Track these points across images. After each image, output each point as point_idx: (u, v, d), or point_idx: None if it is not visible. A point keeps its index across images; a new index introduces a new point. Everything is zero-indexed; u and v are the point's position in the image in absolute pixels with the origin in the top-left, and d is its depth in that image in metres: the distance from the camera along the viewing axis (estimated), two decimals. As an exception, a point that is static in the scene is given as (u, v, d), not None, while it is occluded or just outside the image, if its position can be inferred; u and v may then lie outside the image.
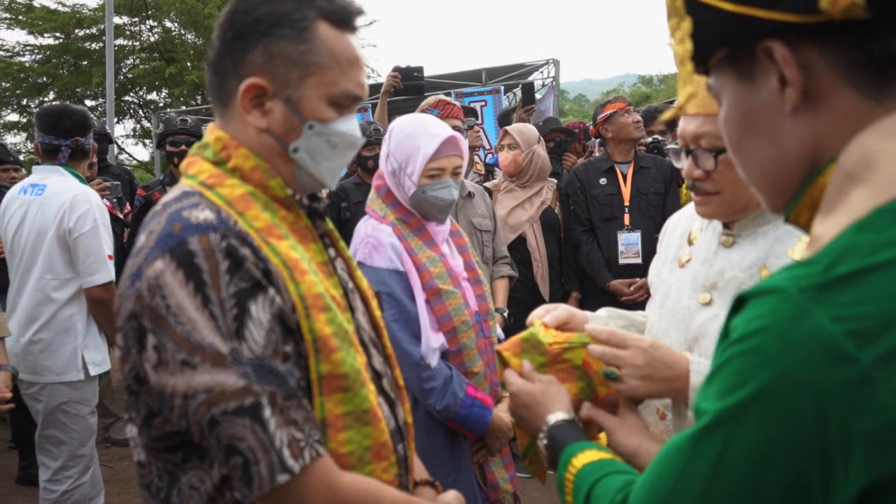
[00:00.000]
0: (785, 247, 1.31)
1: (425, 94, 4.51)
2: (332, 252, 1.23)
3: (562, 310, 1.37)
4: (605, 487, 0.92)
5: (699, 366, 1.23)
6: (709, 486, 0.65)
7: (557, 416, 1.17)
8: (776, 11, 0.67)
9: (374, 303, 1.29)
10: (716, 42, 0.73)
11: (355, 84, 1.11)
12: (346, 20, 1.10)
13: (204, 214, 1.01)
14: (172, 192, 1.11)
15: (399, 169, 2.06)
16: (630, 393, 1.23)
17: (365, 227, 2.11)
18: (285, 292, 1.02)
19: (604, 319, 1.51)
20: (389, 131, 2.12)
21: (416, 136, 2.06)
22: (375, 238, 2.04)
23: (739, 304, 0.66)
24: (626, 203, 3.96)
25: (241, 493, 0.96)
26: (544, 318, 1.34)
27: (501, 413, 2.12)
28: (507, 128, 3.96)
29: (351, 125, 1.13)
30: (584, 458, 1.03)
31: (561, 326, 1.34)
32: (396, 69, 4.57)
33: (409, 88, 4.64)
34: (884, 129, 0.66)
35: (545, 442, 1.16)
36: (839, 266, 0.61)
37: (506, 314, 3.35)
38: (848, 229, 0.64)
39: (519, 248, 3.89)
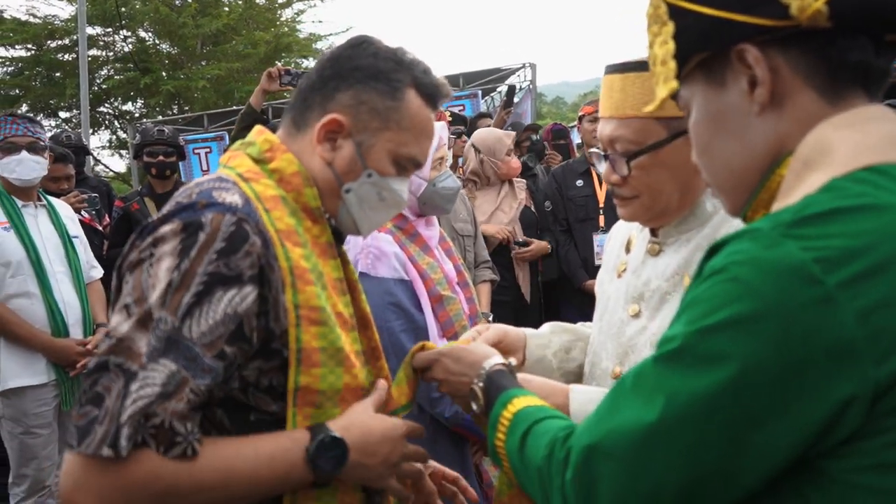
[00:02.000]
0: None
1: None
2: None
3: (493, 330, 1.36)
4: (547, 426, 0.92)
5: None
6: (671, 413, 0.69)
7: (495, 359, 1.18)
8: (752, 16, 0.74)
9: (373, 329, 1.30)
10: (694, 46, 0.80)
11: (421, 152, 1.20)
12: (433, 96, 1.19)
13: (232, 198, 1.05)
14: (209, 176, 1.14)
15: None
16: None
17: (360, 238, 2.04)
18: (279, 296, 1.03)
19: (547, 336, 1.48)
20: None
21: None
22: (377, 248, 2.00)
23: (714, 250, 0.72)
24: (601, 205, 4.01)
25: (70, 441, 0.93)
26: (476, 340, 1.33)
27: None
28: (510, 136, 4.03)
29: (403, 186, 1.21)
30: (525, 401, 1.03)
31: (495, 346, 1.33)
32: None
33: None
34: (835, 121, 0.75)
35: (481, 384, 1.15)
36: (807, 209, 0.68)
37: (490, 318, 3.36)
38: (808, 194, 0.71)
39: (501, 251, 3.91)
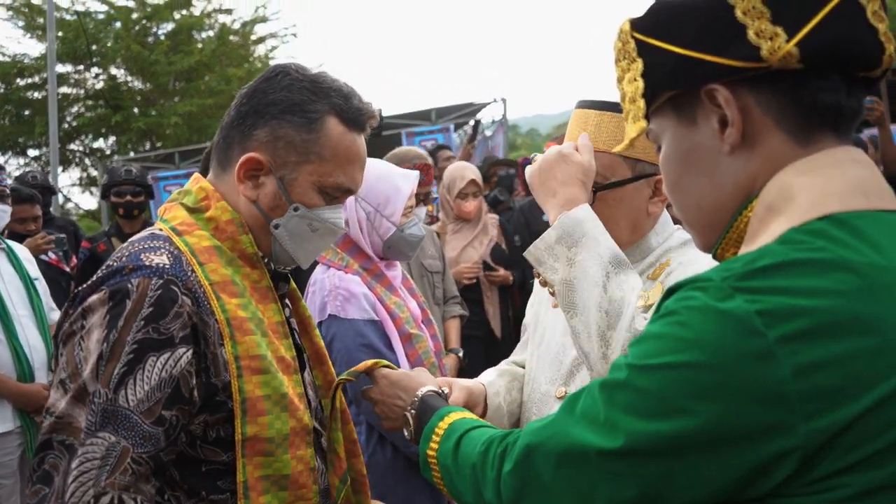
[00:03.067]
0: (645, 275, 1.37)
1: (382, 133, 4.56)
2: (287, 312, 1.25)
3: (457, 390, 1.36)
4: (483, 431, 0.95)
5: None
6: (607, 430, 0.71)
7: (427, 387, 1.21)
8: (722, 57, 0.74)
9: (328, 364, 1.32)
10: (663, 84, 0.80)
11: (349, 179, 1.18)
12: (355, 121, 1.17)
13: (160, 259, 1.05)
14: (143, 233, 1.15)
15: (374, 212, 2.06)
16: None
17: (329, 279, 2.04)
18: (217, 350, 1.05)
19: (496, 384, 1.52)
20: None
21: (392, 176, 2.10)
22: (346, 289, 2.00)
23: (670, 293, 0.73)
24: (567, 238, 4.03)
25: None
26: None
27: None
28: (474, 178, 3.95)
29: (336, 214, 1.19)
30: (459, 415, 1.06)
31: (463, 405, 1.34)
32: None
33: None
34: (799, 167, 0.74)
35: (413, 412, 1.17)
36: (758, 262, 0.69)
37: (460, 354, 3.37)
38: (766, 244, 0.72)
39: (471, 286, 3.93)
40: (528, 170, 1.35)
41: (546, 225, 4.48)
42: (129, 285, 1.01)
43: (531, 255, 1.27)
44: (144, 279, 1.01)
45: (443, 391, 1.23)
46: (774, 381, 0.64)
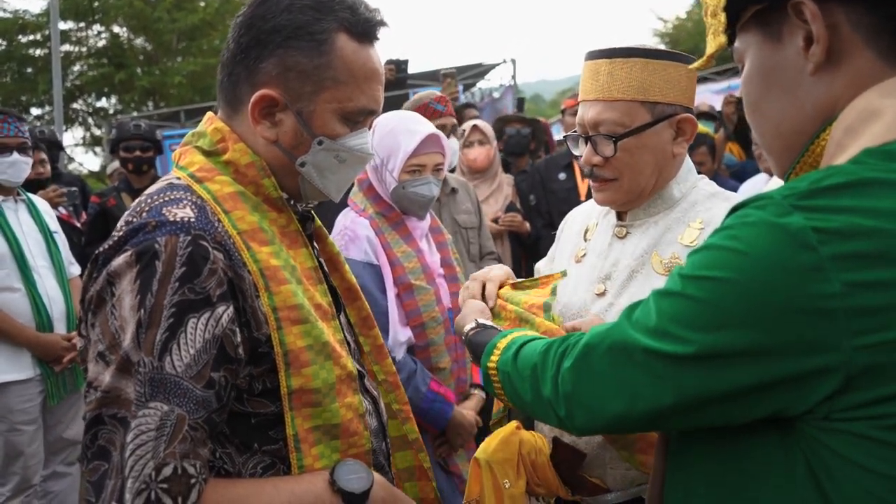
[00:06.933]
0: (675, 234, 1.36)
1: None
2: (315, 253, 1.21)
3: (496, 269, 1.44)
4: (543, 340, 0.97)
5: None
6: (656, 333, 0.74)
7: (470, 325, 1.24)
8: None
9: (361, 300, 1.30)
10: None
11: (370, 99, 1.09)
12: (367, 33, 1.08)
13: (183, 212, 0.99)
14: (159, 183, 1.08)
15: (381, 164, 2.11)
16: None
17: (344, 220, 2.15)
18: (255, 302, 1.00)
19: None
20: (373, 127, 2.15)
21: (398, 133, 2.10)
22: (352, 230, 2.09)
23: (734, 210, 0.73)
24: (583, 198, 4.00)
25: (90, 496, 0.92)
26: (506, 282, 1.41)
27: (465, 410, 2.15)
28: (476, 123, 3.91)
29: (362, 139, 1.12)
30: (518, 333, 1.09)
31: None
32: (390, 61, 4.61)
33: (396, 81, 4.71)
34: (884, 88, 0.71)
35: (468, 352, 1.21)
36: (825, 181, 0.67)
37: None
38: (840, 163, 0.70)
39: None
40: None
41: (561, 183, 4.39)
42: (157, 245, 0.94)
43: None
44: (171, 237, 0.95)
45: (487, 322, 1.25)
46: (821, 296, 0.64)
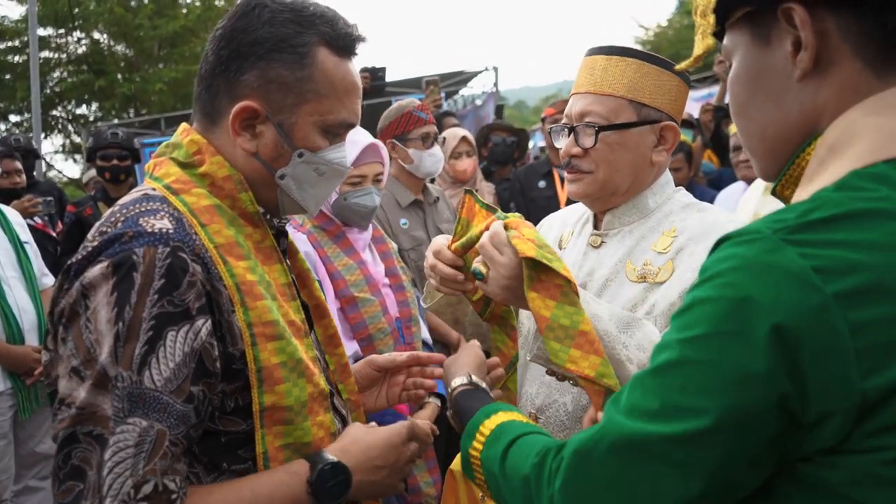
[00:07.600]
0: (648, 242, 1.38)
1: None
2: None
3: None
4: (535, 441, 0.88)
5: None
6: (667, 416, 0.67)
7: (460, 379, 1.21)
8: None
9: (329, 317, 1.29)
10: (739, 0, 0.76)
11: (350, 112, 1.10)
12: (347, 47, 1.09)
13: (161, 223, 0.97)
14: (133, 193, 1.06)
15: None
16: (489, 295, 1.27)
17: None
18: (230, 317, 0.99)
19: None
20: None
21: None
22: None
23: (714, 250, 0.70)
24: (562, 206, 4.01)
25: None
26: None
27: (419, 420, 2.12)
28: (465, 135, 3.89)
29: (340, 153, 1.12)
30: (507, 416, 1.01)
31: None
32: (365, 69, 4.57)
33: (372, 89, 4.66)
34: (870, 105, 0.70)
35: (450, 412, 1.18)
36: (813, 213, 0.65)
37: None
38: (824, 188, 0.68)
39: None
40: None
41: (541, 191, 4.41)
42: (135, 256, 0.91)
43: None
44: (150, 248, 0.92)
45: (474, 380, 1.21)
46: (834, 336, 0.61)
